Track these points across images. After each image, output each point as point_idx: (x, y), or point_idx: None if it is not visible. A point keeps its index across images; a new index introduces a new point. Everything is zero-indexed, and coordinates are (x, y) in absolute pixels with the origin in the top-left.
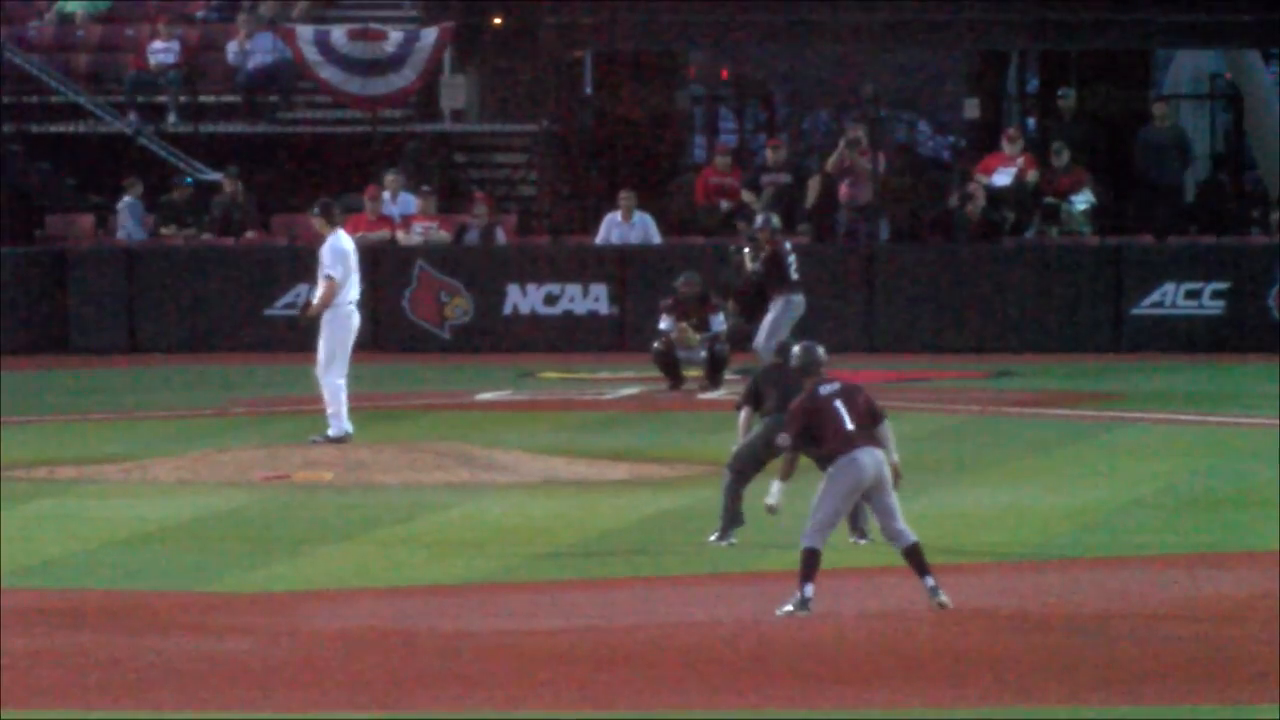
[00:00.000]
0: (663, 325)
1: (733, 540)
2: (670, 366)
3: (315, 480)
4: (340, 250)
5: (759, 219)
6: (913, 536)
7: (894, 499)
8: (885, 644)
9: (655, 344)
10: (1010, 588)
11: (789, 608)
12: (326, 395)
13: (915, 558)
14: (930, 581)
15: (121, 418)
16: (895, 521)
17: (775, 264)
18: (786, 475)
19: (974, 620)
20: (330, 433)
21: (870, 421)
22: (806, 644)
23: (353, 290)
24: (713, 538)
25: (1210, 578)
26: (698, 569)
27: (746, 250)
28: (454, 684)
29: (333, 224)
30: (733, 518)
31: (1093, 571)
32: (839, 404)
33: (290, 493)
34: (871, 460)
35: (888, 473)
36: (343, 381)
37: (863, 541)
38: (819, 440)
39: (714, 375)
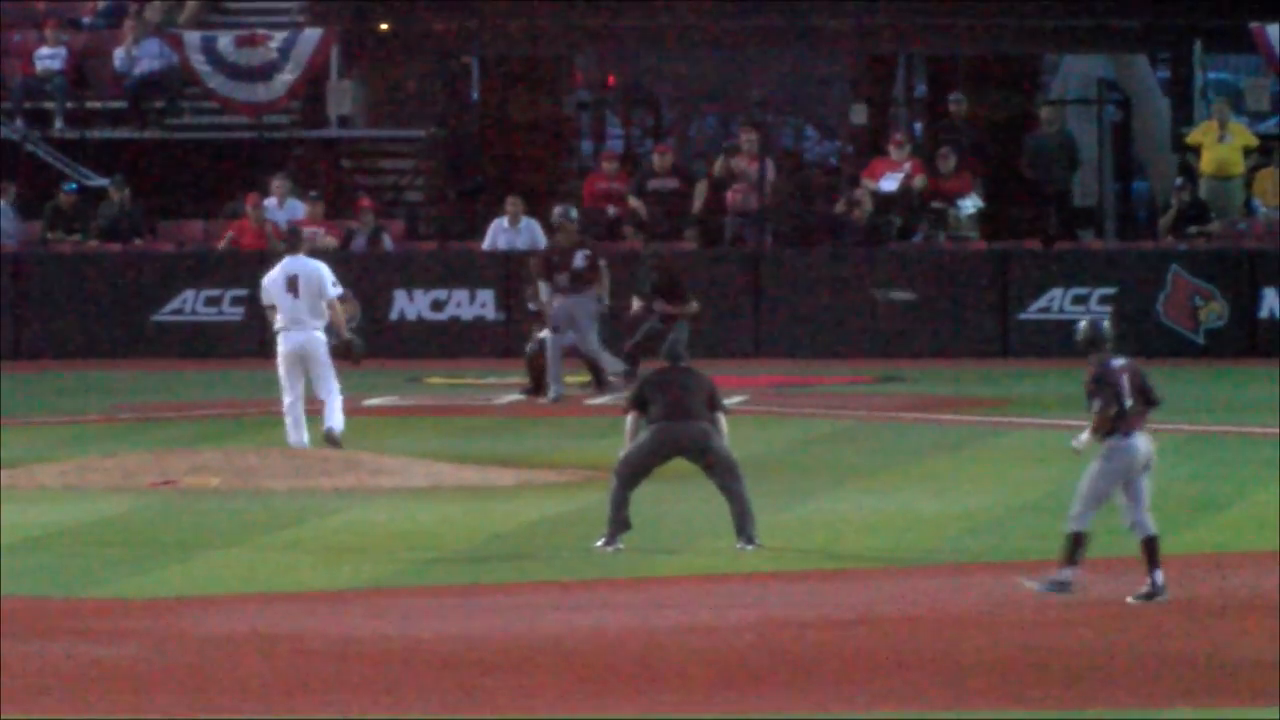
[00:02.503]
0: (541, 334)
1: (620, 546)
2: (539, 373)
3: (202, 486)
4: (266, 280)
5: (557, 210)
6: (1154, 528)
7: (1149, 486)
8: (771, 649)
9: (529, 344)
10: (899, 593)
11: (1042, 587)
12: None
13: (1150, 549)
14: (1159, 577)
15: (6, 423)
16: (1141, 510)
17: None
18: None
19: (860, 625)
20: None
21: (1144, 402)
22: (690, 650)
23: (284, 316)
24: (600, 543)
25: (1094, 581)
26: (585, 574)
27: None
28: (341, 689)
29: (294, 250)
30: (620, 523)
31: (982, 575)
32: (1125, 379)
33: (177, 498)
34: (1144, 445)
35: (1154, 459)
36: (284, 402)
37: (749, 548)
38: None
39: (598, 377)
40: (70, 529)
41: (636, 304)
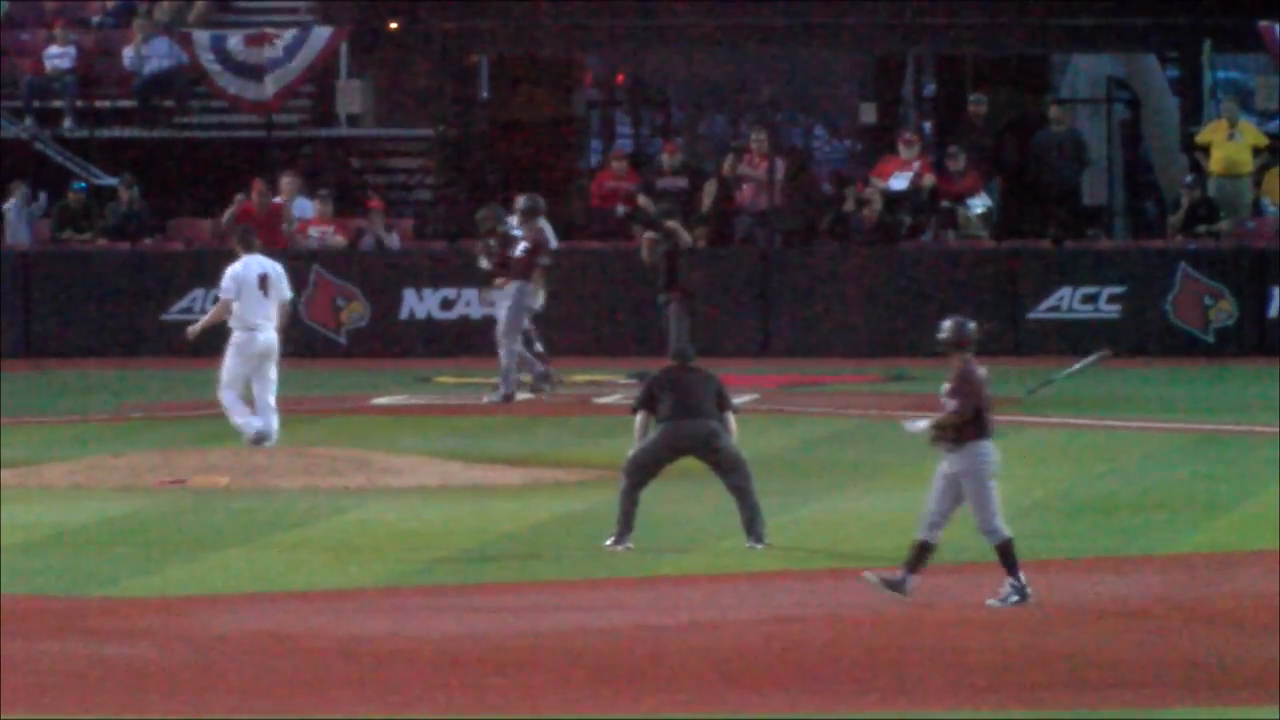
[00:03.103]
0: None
1: (629, 545)
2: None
3: (211, 485)
4: (234, 274)
5: (523, 198)
6: (1007, 532)
7: (997, 491)
8: (778, 649)
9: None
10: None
11: (879, 581)
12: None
13: (1007, 553)
14: (1022, 577)
15: (16, 422)
16: (993, 515)
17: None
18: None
19: (867, 625)
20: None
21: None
22: (698, 650)
23: (253, 313)
24: (609, 542)
25: (1106, 581)
26: (593, 573)
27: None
28: (348, 688)
29: (248, 249)
30: (629, 522)
31: (987, 575)
32: (987, 386)
33: (186, 498)
34: (996, 450)
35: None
36: (225, 394)
37: (758, 547)
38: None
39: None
40: (78, 528)
41: (645, 241)
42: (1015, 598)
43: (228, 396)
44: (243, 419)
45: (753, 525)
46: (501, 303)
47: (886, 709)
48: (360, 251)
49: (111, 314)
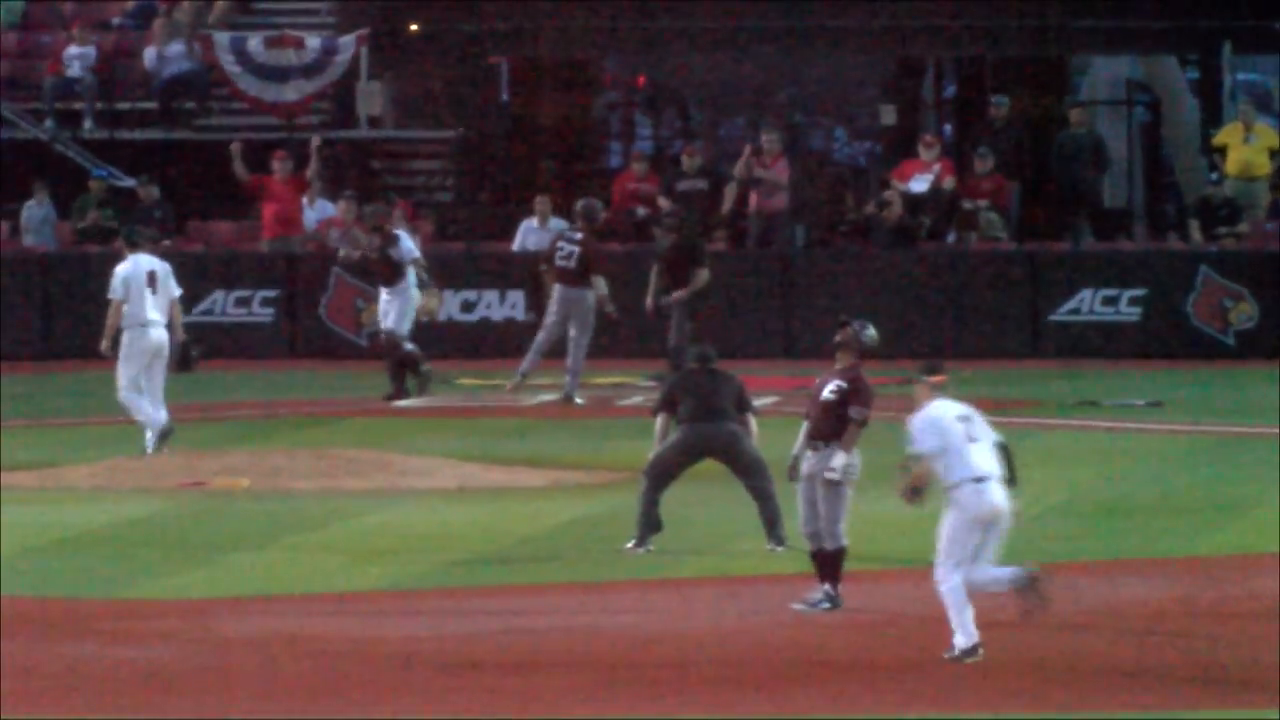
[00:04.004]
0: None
1: (650, 547)
2: (397, 367)
3: (231, 487)
4: (124, 274)
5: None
6: (845, 539)
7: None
8: (799, 651)
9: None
10: (928, 595)
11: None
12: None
13: (836, 561)
14: (839, 589)
15: (35, 424)
16: (839, 521)
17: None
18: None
19: (888, 627)
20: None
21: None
22: (720, 652)
23: (143, 311)
24: (630, 545)
25: (1127, 584)
26: (614, 575)
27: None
28: (368, 690)
29: (134, 247)
30: (650, 524)
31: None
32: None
33: (206, 499)
34: None
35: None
36: (124, 395)
37: (780, 549)
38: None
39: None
40: (100, 530)
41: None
42: (826, 604)
43: (128, 396)
44: (144, 416)
45: (774, 527)
46: (389, 307)
47: (909, 710)
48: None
49: None
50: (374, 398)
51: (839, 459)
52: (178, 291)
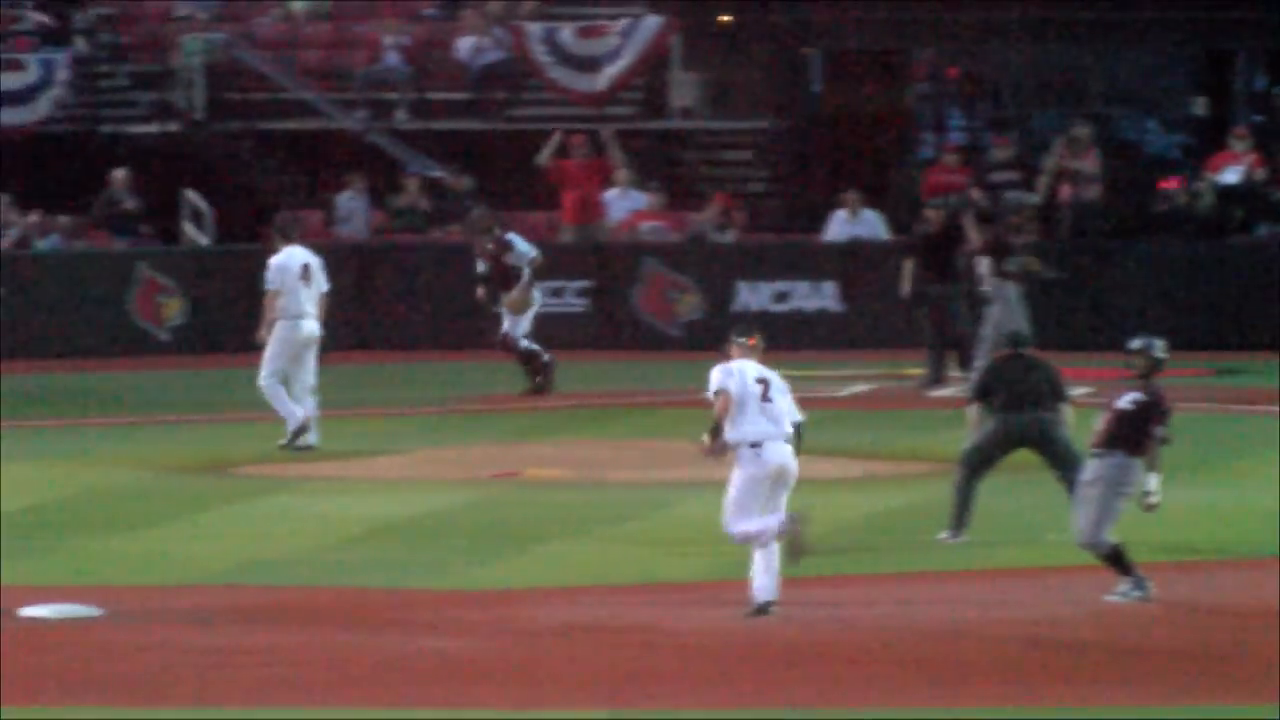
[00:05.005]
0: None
1: (964, 538)
2: (528, 359)
3: (545, 478)
4: (278, 265)
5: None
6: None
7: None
8: (1112, 641)
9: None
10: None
11: None
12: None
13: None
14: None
15: (347, 414)
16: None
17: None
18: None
19: (1208, 615)
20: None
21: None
22: (1032, 643)
23: (297, 303)
24: (944, 535)
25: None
26: (927, 566)
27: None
28: (681, 681)
29: (288, 240)
30: (965, 515)
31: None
32: None
33: (519, 490)
34: None
35: None
36: (265, 383)
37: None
38: None
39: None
40: (411, 521)
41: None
42: (1138, 593)
43: (270, 385)
44: (286, 409)
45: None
46: (511, 315)
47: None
48: (693, 244)
49: (441, 306)
50: (687, 388)
51: (1154, 481)
52: (327, 286)
